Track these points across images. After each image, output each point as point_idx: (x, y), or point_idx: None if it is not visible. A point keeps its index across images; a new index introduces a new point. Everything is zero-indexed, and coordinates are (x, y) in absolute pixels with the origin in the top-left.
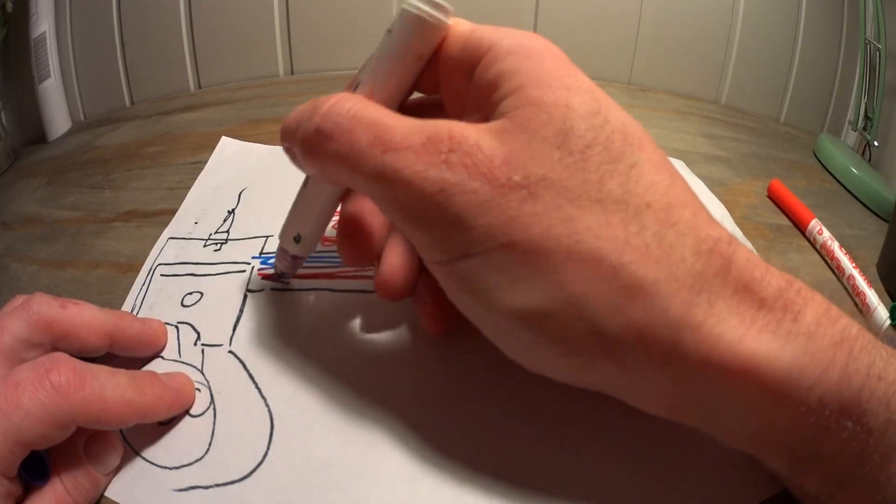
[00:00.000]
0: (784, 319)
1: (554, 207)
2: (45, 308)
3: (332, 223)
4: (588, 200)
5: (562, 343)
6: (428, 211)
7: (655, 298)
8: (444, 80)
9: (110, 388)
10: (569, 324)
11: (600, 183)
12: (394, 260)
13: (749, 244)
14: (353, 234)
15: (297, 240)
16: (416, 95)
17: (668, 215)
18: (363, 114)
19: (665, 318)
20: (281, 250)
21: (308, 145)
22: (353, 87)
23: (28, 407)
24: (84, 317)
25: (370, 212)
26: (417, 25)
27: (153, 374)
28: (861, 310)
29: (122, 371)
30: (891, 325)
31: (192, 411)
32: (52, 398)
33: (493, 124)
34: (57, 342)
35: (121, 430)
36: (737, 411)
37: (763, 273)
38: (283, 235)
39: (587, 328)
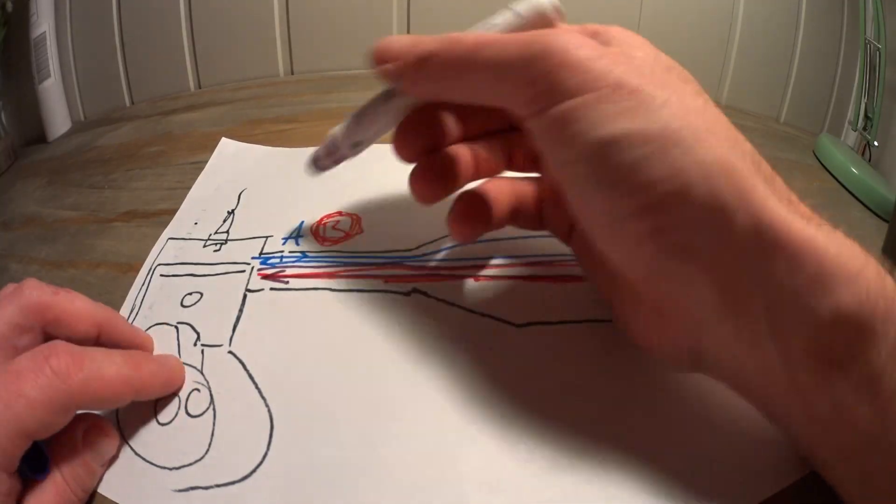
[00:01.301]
0: (813, 218)
1: (649, 74)
2: (36, 293)
3: (332, 222)
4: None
5: (651, 168)
6: (549, 56)
7: (731, 154)
8: None
9: (107, 365)
10: (663, 150)
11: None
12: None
13: None
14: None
15: (356, 145)
16: None
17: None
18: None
19: (741, 175)
20: (332, 147)
21: (424, 61)
22: None
23: (30, 394)
24: (75, 304)
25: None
26: (540, 18)
27: (146, 353)
28: None
29: (117, 350)
30: None
31: (192, 411)
32: (53, 382)
33: None
34: (47, 327)
35: (120, 431)
36: (797, 296)
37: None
38: (344, 137)
39: (676, 160)
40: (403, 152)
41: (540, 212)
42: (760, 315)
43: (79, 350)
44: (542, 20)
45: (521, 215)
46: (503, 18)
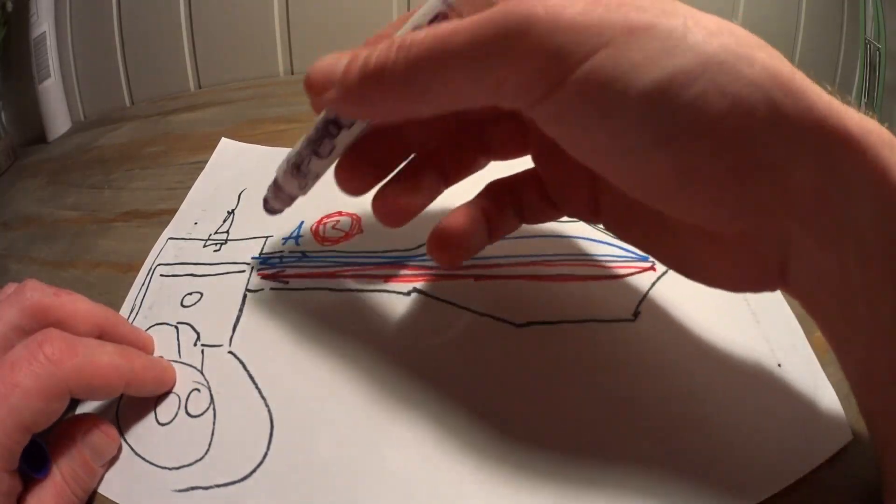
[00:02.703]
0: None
1: (650, 6)
2: (37, 294)
3: (332, 222)
4: (664, 3)
5: (708, 104)
6: (534, 25)
7: (770, 52)
8: None
9: (100, 354)
10: (712, 81)
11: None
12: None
13: None
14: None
15: (303, 187)
16: None
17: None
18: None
19: (786, 70)
20: (280, 190)
21: (376, 77)
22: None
23: (25, 384)
24: (77, 305)
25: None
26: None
27: (139, 350)
28: None
29: (111, 343)
30: None
31: (192, 411)
32: (47, 368)
33: None
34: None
35: (120, 431)
36: (868, 199)
37: None
38: (288, 180)
39: (729, 87)
40: (351, 185)
41: (547, 201)
42: (844, 223)
43: (73, 337)
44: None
45: (529, 212)
46: (429, 8)
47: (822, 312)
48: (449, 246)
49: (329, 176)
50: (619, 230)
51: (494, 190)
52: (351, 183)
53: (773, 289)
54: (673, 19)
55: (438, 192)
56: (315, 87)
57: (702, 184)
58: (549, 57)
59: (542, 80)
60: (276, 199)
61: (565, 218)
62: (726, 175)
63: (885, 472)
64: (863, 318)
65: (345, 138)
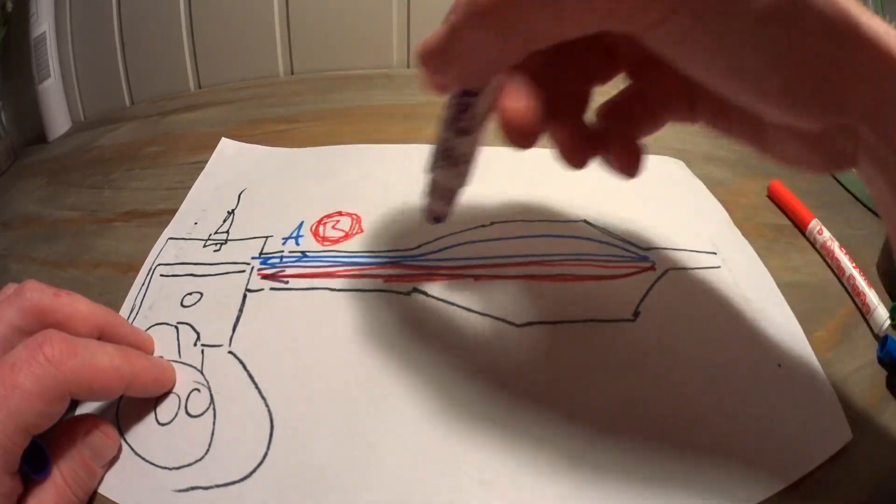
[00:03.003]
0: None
1: None
2: (37, 295)
3: (332, 222)
4: None
5: (812, 31)
6: None
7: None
8: None
9: (100, 355)
10: (802, 12)
11: None
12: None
13: (748, 244)
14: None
15: (460, 174)
16: None
17: None
18: None
19: (861, 11)
20: (439, 188)
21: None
22: None
23: (25, 385)
24: (77, 307)
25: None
26: None
27: (139, 351)
28: (861, 310)
29: (111, 343)
30: (891, 324)
31: (192, 411)
32: (46, 369)
33: None
34: None
35: (120, 431)
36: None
37: None
38: (441, 174)
39: (823, 11)
40: (576, 159)
41: (644, 108)
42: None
43: (72, 338)
44: None
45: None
46: None
47: (880, 195)
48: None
49: (327, 178)
50: (712, 126)
51: (603, 112)
52: (576, 158)
53: (844, 170)
54: None
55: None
56: (430, 61)
57: (805, 97)
58: None
59: (657, 4)
60: (439, 201)
61: (565, 218)
62: (823, 90)
63: None
64: None
65: (482, 105)
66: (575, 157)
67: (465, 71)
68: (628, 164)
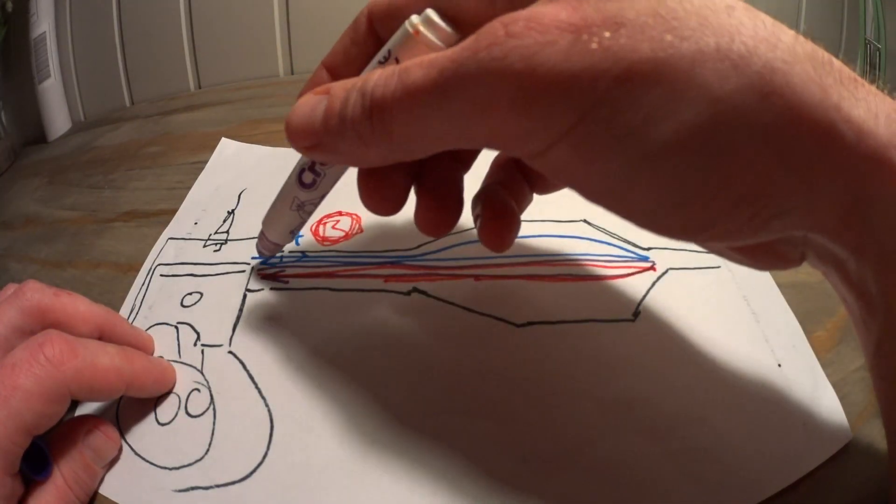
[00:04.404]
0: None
1: (648, 28)
2: (38, 295)
3: (332, 222)
4: (674, 17)
5: (731, 154)
6: (522, 86)
7: (790, 79)
8: None
9: (101, 355)
10: (730, 133)
11: (676, 3)
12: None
13: None
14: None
15: (293, 232)
16: None
17: (755, 14)
18: (404, 79)
19: (812, 100)
20: (266, 241)
21: (365, 125)
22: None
23: (26, 385)
24: (77, 306)
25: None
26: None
27: (139, 351)
28: None
29: (112, 344)
30: None
31: (192, 411)
32: (47, 370)
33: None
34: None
35: (120, 431)
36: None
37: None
38: (275, 231)
39: (747, 133)
40: (381, 206)
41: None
42: (865, 233)
43: (73, 339)
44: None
45: (540, 183)
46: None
47: (839, 291)
48: (506, 232)
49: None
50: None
51: (502, 166)
52: (381, 205)
53: (790, 268)
54: (687, 45)
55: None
56: (294, 137)
57: (731, 227)
58: (532, 123)
59: (538, 136)
60: (272, 241)
61: (565, 218)
62: (758, 214)
63: (892, 458)
64: (877, 307)
65: (330, 174)
66: (431, 228)
67: (337, 160)
68: (494, 239)
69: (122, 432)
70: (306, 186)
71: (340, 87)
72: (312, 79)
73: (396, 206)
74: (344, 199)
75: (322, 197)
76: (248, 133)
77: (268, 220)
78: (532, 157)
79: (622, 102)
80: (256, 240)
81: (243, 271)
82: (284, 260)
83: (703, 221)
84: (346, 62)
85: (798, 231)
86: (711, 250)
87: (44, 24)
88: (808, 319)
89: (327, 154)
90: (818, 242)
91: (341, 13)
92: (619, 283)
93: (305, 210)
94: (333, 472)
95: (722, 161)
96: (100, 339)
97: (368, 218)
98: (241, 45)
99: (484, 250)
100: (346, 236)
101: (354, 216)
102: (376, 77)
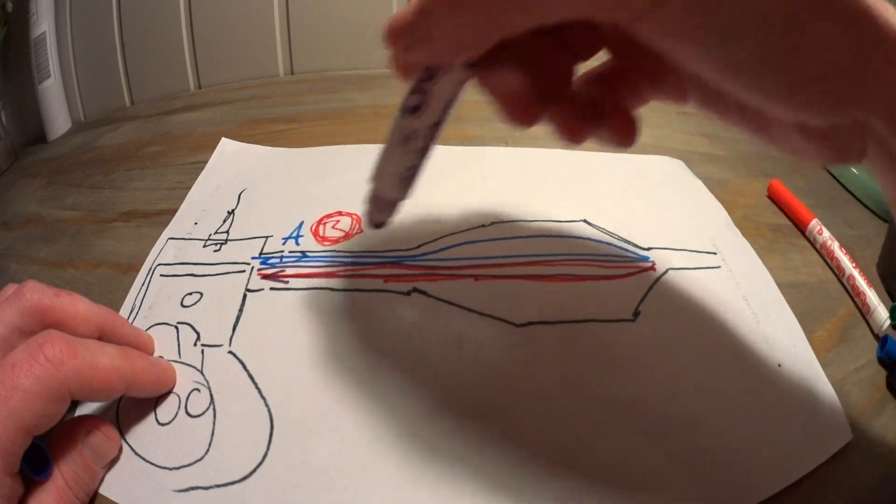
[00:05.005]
0: None
1: None
2: (38, 296)
3: (332, 222)
4: None
5: (814, 23)
6: None
7: None
8: None
9: (101, 355)
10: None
11: None
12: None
13: (748, 244)
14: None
15: (405, 181)
16: None
17: None
18: None
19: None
20: (376, 203)
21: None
22: None
23: (25, 385)
24: (77, 307)
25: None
26: None
27: (139, 351)
28: (861, 310)
29: (112, 344)
30: (891, 324)
31: (192, 411)
32: (47, 370)
33: None
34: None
35: (120, 431)
36: None
37: None
38: (385, 179)
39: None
40: (575, 134)
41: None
42: None
43: (73, 339)
44: None
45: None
46: None
47: (893, 189)
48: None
49: (327, 177)
50: (705, 110)
51: (584, 83)
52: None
53: (852, 163)
54: None
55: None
56: (398, 38)
57: (812, 95)
58: None
59: None
60: (379, 210)
61: (565, 218)
62: (833, 88)
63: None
64: None
65: (439, 90)
66: (574, 132)
67: (435, 52)
68: (626, 134)
69: (122, 432)
70: (412, 111)
71: None
72: None
73: (532, 108)
74: (344, 199)
75: (431, 128)
76: (248, 133)
77: (377, 171)
78: (638, 17)
79: None
80: (366, 212)
81: (243, 271)
82: (284, 260)
83: (800, 77)
84: None
85: (864, 112)
86: (789, 147)
87: (44, 24)
88: (808, 319)
89: (424, 45)
90: (879, 132)
91: (341, 13)
92: (619, 283)
93: (414, 145)
94: (333, 472)
95: (813, 25)
96: (100, 339)
97: None
98: (241, 45)
99: (484, 250)
100: (346, 236)
101: (354, 216)
102: None
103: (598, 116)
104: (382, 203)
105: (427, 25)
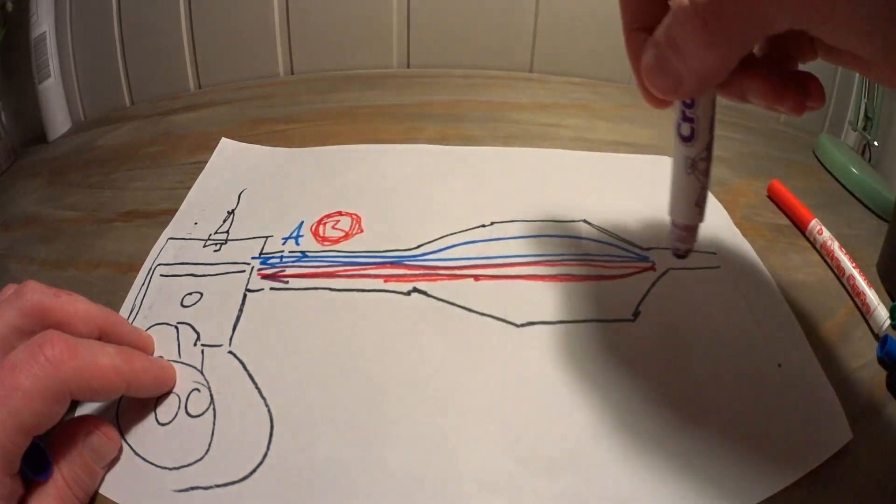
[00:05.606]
0: None
1: None
2: (38, 296)
3: (332, 222)
4: None
5: None
6: None
7: None
8: None
9: (100, 355)
10: None
11: None
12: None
13: (748, 244)
14: None
15: (699, 204)
16: None
17: None
18: None
19: None
20: (678, 231)
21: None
22: None
23: (25, 386)
24: (77, 306)
25: None
26: None
27: (139, 351)
28: (861, 310)
29: (112, 344)
30: (891, 325)
31: (192, 411)
32: (47, 370)
33: None
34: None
35: (120, 431)
36: None
37: None
38: (681, 209)
39: None
40: (789, 101)
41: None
42: None
43: (73, 339)
44: None
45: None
46: None
47: None
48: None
49: (327, 177)
50: (826, 60)
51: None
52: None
53: None
54: None
55: None
56: (651, 82)
57: None
58: None
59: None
60: (681, 235)
61: (565, 218)
62: None
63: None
64: None
65: (702, 113)
66: (796, 106)
67: (697, 86)
68: (820, 96)
69: (122, 432)
70: (688, 139)
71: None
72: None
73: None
74: (344, 199)
75: (706, 149)
76: (248, 133)
77: (672, 204)
78: (824, 18)
79: None
80: (671, 244)
81: (243, 271)
82: (284, 260)
83: None
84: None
85: None
86: (888, 83)
87: (44, 24)
88: (808, 319)
89: (679, 78)
90: None
91: (341, 13)
92: (618, 283)
93: (699, 169)
94: (333, 472)
95: None
96: (100, 339)
97: (368, 218)
98: (241, 45)
99: (484, 250)
100: (346, 236)
101: (354, 216)
102: None
103: (792, 87)
104: (686, 232)
105: (678, 64)
